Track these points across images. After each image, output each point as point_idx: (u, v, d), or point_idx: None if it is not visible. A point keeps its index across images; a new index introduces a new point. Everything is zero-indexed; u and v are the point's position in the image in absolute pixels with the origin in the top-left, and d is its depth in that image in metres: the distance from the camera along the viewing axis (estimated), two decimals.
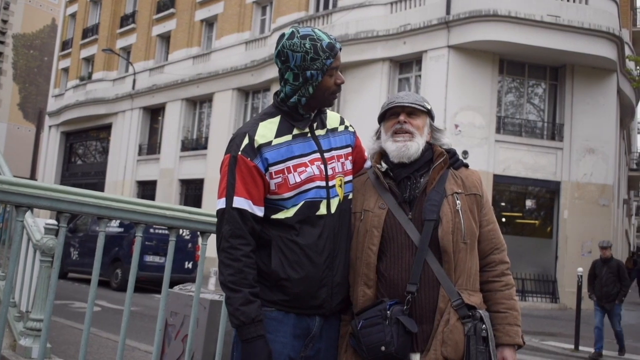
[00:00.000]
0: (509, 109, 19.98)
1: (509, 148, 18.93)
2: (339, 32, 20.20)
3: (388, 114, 2.62)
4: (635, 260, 38.74)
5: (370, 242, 2.47)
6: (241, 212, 2.41)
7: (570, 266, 17.99)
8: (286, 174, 2.46)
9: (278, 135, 2.50)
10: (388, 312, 2.36)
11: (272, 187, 2.46)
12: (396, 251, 2.45)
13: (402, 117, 2.56)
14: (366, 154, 2.80)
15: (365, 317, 2.40)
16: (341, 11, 21.80)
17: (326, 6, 23.77)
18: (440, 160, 2.56)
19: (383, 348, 2.33)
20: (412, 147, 2.52)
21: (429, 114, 2.63)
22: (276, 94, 2.60)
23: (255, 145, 2.45)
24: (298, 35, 2.47)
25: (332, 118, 2.72)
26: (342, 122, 2.76)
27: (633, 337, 13.66)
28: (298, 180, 2.46)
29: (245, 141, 2.46)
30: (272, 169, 2.46)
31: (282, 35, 2.51)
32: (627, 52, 21.19)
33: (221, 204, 2.45)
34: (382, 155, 2.63)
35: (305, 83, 2.48)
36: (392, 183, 2.55)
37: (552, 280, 18.82)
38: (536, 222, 20.06)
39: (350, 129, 2.77)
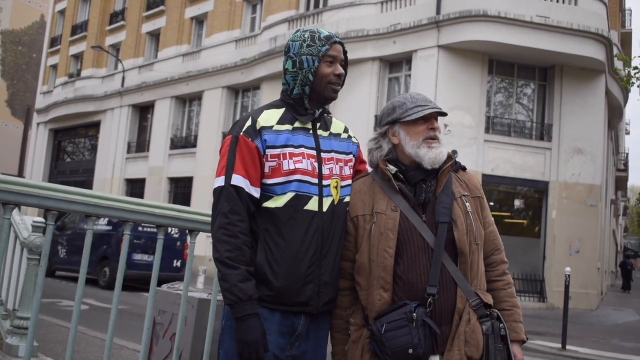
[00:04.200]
0: (498, 109, 20.04)
1: (498, 148, 18.99)
2: (329, 30, 20.03)
3: (415, 117, 2.58)
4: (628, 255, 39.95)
5: (386, 244, 2.46)
6: (238, 190, 2.45)
7: (558, 266, 18.08)
8: (281, 159, 2.51)
9: (280, 122, 2.57)
10: (414, 314, 2.36)
11: (266, 170, 2.50)
12: (413, 254, 2.45)
13: (436, 124, 2.60)
14: (364, 155, 2.83)
15: (388, 321, 2.39)
16: (331, 10, 21.81)
17: (317, 5, 23.75)
18: (448, 164, 2.58)
19: (411, 351, 2.33)
20: (444, 153, 2.57)
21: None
22: (284, 90, 2.67)
23: (257, 127, 2.52)
24: (302, 30, 2.62)
25: (336, 125, 2.79)
26: (345, 130, 2.82)
27: (620, 336, 13.74)
28: (292, 167, 2.50)
29: (248, 123, 2.53)
30: (269, 151, 2.50)
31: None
32: (616, 53, 21.29)
33: (219, 182, 2.49)
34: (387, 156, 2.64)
35: (302, 69, 2.55)
36: (403, 186, 2.55)
37: (539, 280, 18.90)
38: (524, 221, 20.14)
39: (354, 139, 2.83)
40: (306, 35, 2.58)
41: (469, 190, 2.60)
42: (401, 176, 2.57)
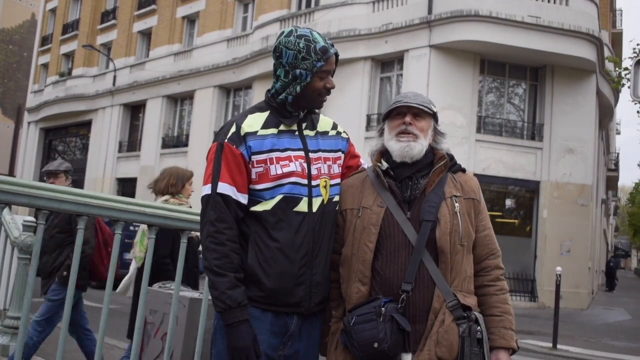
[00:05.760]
0: (490, 109, 20.09)
1: (490, 148, 19.04)
2: (321, 30, 20.05)
3: (394, 113, 2.61)
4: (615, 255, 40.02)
5: (367, 239, 2.47)
6: (225, 197, 2.44)
7: (549, 265, 18.13)
8: (268, 164, 2.50)
9: (265, 127, 2.55)
10: (382, 308, 2.35)
11: (253, 176, 2.49)
12: (392, 250, 2.45)
13: (408, 119, 2.57)
14: (361, 159, 2.84)
15: (358, 314, 2.39)
16: (323, 9, 21.81)
17: (308, 4, 23.75)
18: (441, 163, 2.57)
19: (376, 345, 2.32)
20: (415, 147, 2.54)
21: (434, 116, 2.64)
22: (268, 90, 2.64)
23: (242, 134, 2.50)
24: (295, 34, 2.53)
25: (324, 122, 2.77)
26: (334, 127, 2.80)
27: (611, 336, 13.79)
28: (279, 172, 2.49)
29: (233, 129, 2.51)
30: (255, 157, 2.49)
31: (282, 32, 2.57)
32: (607, 53, 21.38)
33: (206, 190, 2.48)
34: (382, 154, 2.64)
35: (294, 81, 2.53)
36: (392, 182, 2.55)
37: (530, 279, 18.95)
38: (516, 221, 20.19)
39: (343, 134, 2.81)
40: (301, 45, 2.50)
41: (463, 191, 2.57)
42: (392, 173, 2.57)
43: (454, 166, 2.63)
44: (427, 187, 2.53)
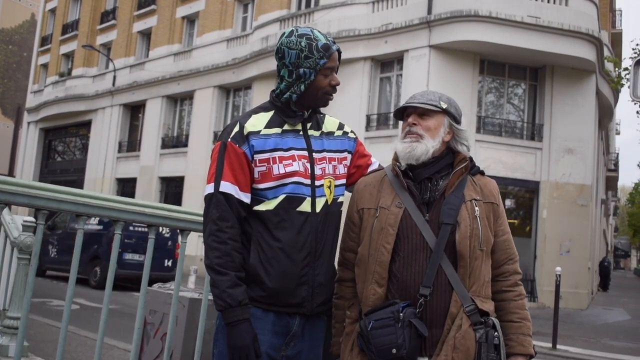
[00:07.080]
0: (489, 109, 20.09)
1: (489, 148, 19.03)
2: (320, 30, 19.99)
3: (404, 115, 2.58)
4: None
5: (384, 240, 2.42)
6: (227, 196, 2.45)
7: (548, 265, 18.13)
8: (271, 163, 2.49)
9: (268, 126, 2.55)
10: (400, 314, 2.31)
11: (256, 175, 2.49)
12: (410, 252, 2.40)
13: (411, 119, 2.53)
14: (372, 157, 2.83)
15: (376, 318, 2.35)
16: (323, 9, 21.81)
17: (308, 4, 23.75)
18: (462, 166, 2.51)
19: (394, 351, 2.29)
20: (418, 148, 2.47)
21: (446, 113, 2.53)
22: (273, 90, 2.64)
23: (245, 133, 2.50)
24: (296, 33, 2.54)
25: (329, 122, 2.76)
26: (340, 127, 2.79)
27: (610, 336, 13.80)
28: (282, 171, 2.49)
29: (236, 129, 2.52)
30: (257, 156, 2.49)
31: (283, 33, 2.57)
32: (606, 53, 21.38)
33: (209, 189, 2.49)
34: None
35: (297, 80, 2.52)
36: (411, 183, 2.49)
37: (530, 279, 18.94)
38: (515, 221, 20.18)
39: (350, 135, 2.80)
40: (303, 44, 2.50)
41: (483, 195, 2.52)
42: (410, 174, 2.52)
43: (472, 168, 2.57)
44: (446, 189, 2.47)
